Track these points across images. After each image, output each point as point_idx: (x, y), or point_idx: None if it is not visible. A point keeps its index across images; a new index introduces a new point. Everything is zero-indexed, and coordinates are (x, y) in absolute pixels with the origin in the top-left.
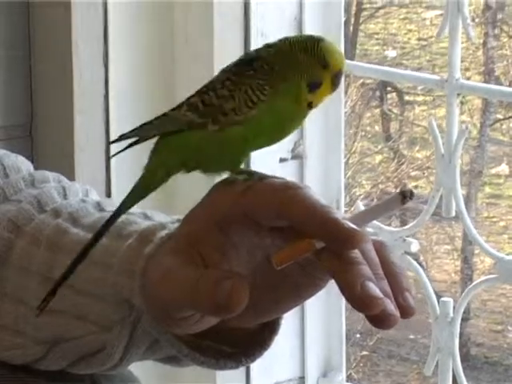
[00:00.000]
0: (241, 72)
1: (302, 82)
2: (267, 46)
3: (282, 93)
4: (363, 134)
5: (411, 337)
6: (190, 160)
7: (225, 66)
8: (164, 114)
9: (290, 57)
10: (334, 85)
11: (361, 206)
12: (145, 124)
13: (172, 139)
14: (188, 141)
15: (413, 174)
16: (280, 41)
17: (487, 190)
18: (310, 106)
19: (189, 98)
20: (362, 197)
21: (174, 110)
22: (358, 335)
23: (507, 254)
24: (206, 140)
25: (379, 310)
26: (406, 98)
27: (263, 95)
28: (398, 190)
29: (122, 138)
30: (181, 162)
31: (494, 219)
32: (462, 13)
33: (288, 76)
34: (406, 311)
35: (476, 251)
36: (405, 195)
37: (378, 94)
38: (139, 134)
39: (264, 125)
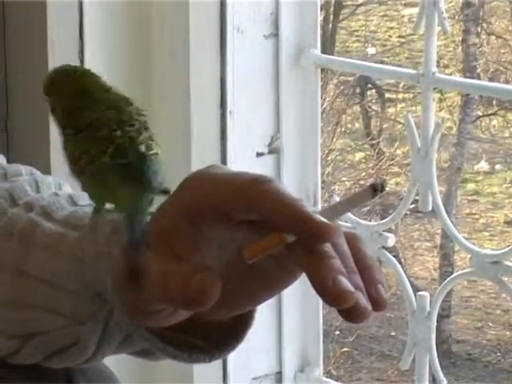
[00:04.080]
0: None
1: None
2: None
3: None
4: (343, 130)
5: (392, 334)
6: None
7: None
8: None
9: None
10: None
11: (336, 199)
12: None
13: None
14: None
15: (393, 170)
16: None
17: (468, 186)
18: None
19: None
20: (342, 193)
21: None
22: (337, 332)
23: (483, 248)
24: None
25: (351, 304)
26: (387, 95)
27: None
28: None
29: None
30: None
31: (476, 216)
32: (437, 8)
33: None
34: (378, 303)
35: (456, 248)
36: (375, 188)
37: (358, 91)
38: None
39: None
